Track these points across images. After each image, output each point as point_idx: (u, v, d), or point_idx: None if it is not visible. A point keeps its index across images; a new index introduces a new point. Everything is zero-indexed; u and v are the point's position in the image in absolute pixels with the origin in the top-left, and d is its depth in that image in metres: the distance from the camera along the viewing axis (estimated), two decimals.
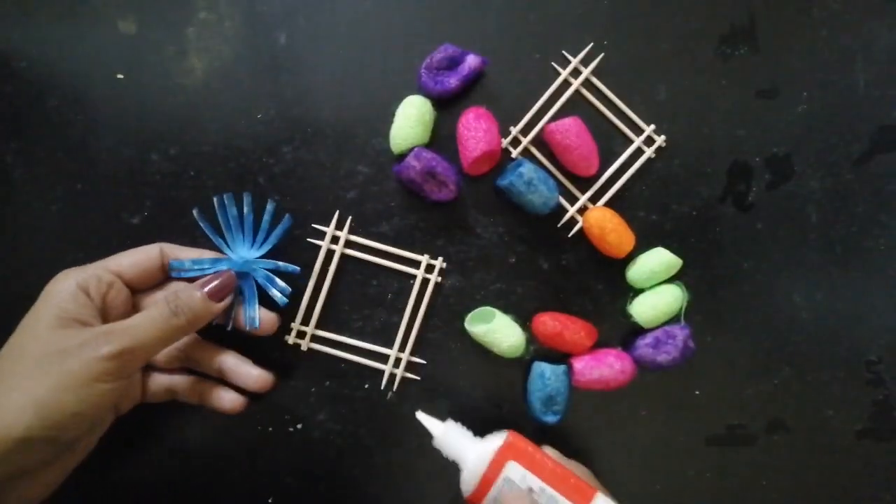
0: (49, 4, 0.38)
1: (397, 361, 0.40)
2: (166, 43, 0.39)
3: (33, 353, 0.31)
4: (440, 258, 0.40)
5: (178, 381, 0.38)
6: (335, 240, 0.40)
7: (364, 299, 0.40)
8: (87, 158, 0.39)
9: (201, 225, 0.37)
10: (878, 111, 0.41)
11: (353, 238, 0.40)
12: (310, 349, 0.40)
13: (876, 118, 0.41)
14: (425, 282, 0.40)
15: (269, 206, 0.37)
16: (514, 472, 0.35)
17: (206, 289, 0.34)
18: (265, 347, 0.40)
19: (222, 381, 0.38)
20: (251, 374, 0.38)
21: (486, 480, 0.35)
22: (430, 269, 0.40)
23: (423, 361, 0.40)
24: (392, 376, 0.40)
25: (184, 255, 0.37)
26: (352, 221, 0.40)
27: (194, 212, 0.37)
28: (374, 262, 0.40)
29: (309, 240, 0.40)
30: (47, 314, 0.32)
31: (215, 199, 0.37)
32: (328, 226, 0.39)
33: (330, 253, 0.40)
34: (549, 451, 0.37)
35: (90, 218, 0.39)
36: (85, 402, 0.30)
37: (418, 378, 0.40)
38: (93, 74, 0.39)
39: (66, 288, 0.33)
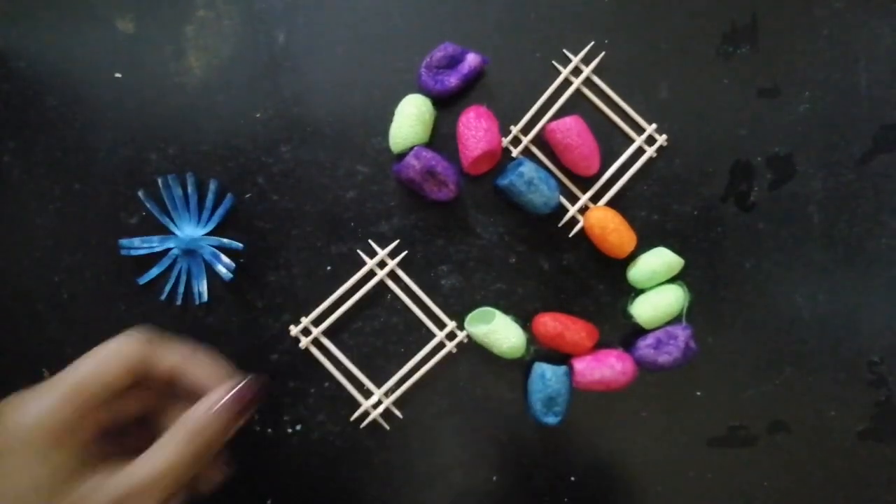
0: (47, 4, 0.38)
1: (379, 402, 0.40)
2: (164, 42, 0.39)
3: None
4: (465, 332, 0.40)
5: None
6: (382, 263, 0.39)
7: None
8: (86, 158, 0.39)
9: (146, 205, 0.38)
10: (880, 110, 0.41)
11: (399, 272, 0.39)
12: (306, 350, 0.40)
13: (878, 117, 0.41)
14: (441, 345, 0.40)
15: (213, 185, 0.38)
16: None
17: (218, 406, 0.29)
18: (265, 349, 0.40)
19: None
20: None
21: None
22: (452, 335, 0.40)
23: (401, 416, 0.40)
24: (365, 414, 0.40)
25: (168, 352, 0.31)
26: (407, 254, 0.40)
27: (140, 193, 0.38)
28: (406, 302, 0.40)
29: (360, 251, 0.39)
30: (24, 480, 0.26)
31: (160, 180, 0.38)
32: (384, 247, 0.39)
33: (371, 273, 0.39)
34: None
35: (88, 218, 0.39)
36: None
37: (388, 427, 0.40)
38: (91, 74, 0.38)
39: (36, 437, 0.27)
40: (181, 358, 0.31)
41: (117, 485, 0.26)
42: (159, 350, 0.31)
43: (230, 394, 0.30)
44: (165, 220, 0.39)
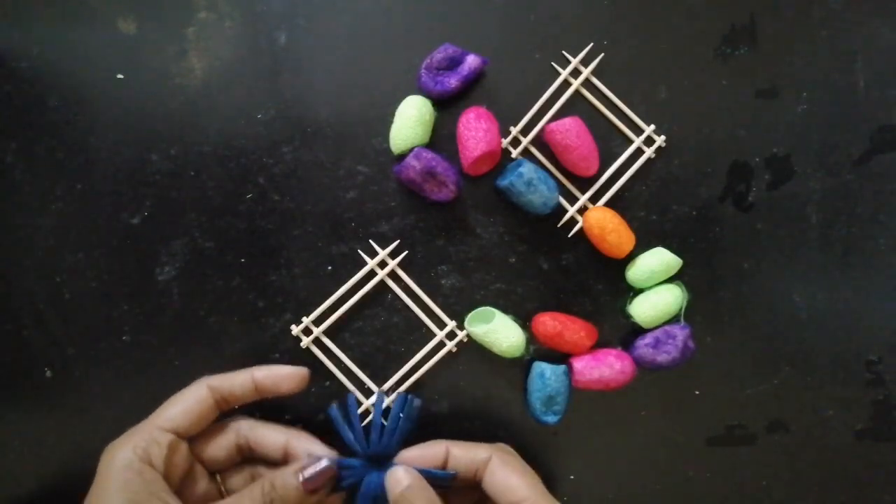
0: (49, 4, 0.38)
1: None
2: (166, 43, 0.39)
3: None
4: (465, 332, 0.40)
5: (237, 480, 0.36)
6: (383, 263, 0.40)
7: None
8: (87, 158, 0.39)
9: (337, 426, 0.37)
10: (878, 111, 0.41)
11: (400, 272, 0.40)
12: (307, 350, 0.40)
13: (876, 118, 0.41)
14: (441, 344, 0.40)
15: (407, 402, 0.37)
16: None
17: (304, 478, 0.32)
18: (266, 348, 0.40)
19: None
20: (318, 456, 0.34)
21: None
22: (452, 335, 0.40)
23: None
24: (367, 412, 0.40)
25: (237, 380, 0.35)
26: (407, 254, 0.40)
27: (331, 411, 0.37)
28: (406, 302, 0.40)
29: (360, 251, 0.40)
30: (117, 501, 0.29)
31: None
32: (384, 247, 0.39)
33: (372, 273, 0.39)
34: None
35: (90, 218, 0.39)
36: None
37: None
38: (93, 74, 0.39)
39: (126, 464, 0.30)
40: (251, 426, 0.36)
41: None
42: (224, 379, 0.35)
43: (315, 469, 0.32)
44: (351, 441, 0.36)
